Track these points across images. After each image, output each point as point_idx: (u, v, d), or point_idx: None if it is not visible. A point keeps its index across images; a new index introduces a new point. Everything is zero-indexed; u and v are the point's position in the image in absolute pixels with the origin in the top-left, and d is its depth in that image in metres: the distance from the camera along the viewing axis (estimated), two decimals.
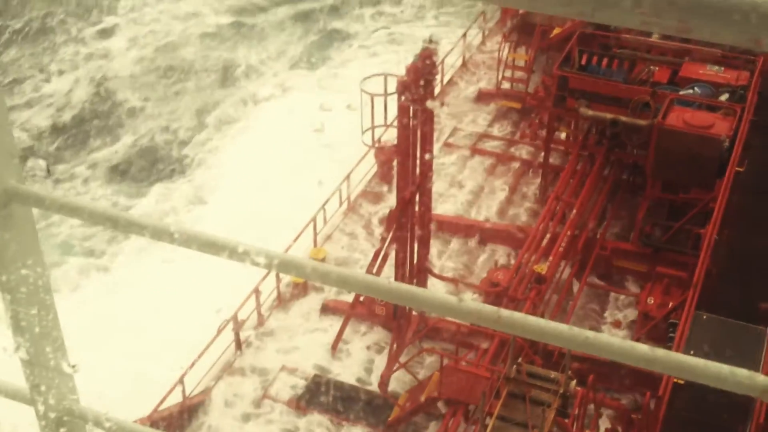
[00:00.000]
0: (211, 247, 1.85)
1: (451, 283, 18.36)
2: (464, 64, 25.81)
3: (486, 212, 20.98)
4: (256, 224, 19.63)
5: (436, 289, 18.13)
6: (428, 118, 15.12)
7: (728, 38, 1.19)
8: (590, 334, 1.61)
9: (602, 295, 18.87)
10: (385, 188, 21.19)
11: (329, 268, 1.77)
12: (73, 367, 2.30)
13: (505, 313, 1.62)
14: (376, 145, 19.97)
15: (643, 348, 1.59)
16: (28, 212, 2.04)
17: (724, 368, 1.55)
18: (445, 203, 21.09)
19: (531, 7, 1.26)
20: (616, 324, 18.16)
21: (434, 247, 18.73)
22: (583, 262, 18.83)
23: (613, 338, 1.61)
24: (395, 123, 15.47)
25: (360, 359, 17.40)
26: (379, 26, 32.47)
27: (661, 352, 1.58)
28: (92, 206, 1.95)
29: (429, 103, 14.74)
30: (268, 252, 1.81)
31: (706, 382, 1.57)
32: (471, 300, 1.65)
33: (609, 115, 18.86)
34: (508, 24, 24.61)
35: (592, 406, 14.38)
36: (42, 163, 25.54)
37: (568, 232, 18.09)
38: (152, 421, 15.25)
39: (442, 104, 23.87)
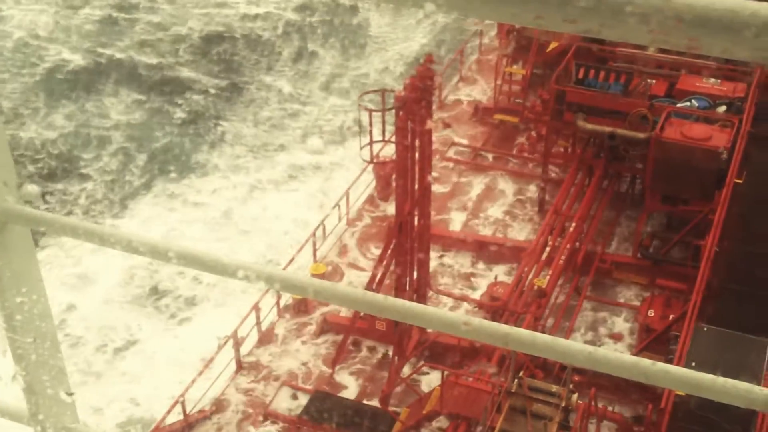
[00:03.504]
0: (210, 267, 1.82)
1: (451, 297, 18.34)
2: (462, 79, 25.86)
3: (485, 226, 20.97)
4: None
5: (435, 303, 18.11)
6: (426, 133, 15.12)
7: (739, 54, 1.18)
8: (594, 349, 1.60)
9: (602, 308, 18.84)
10: (383, 203, 21.20)
11: (334, 288, 1.75)
12: (71, 395, 2.24)
13: (513, 330, 1.61)
14: (374, 160, 19.96)
15: (647, 363, 1.58)
16: (25, 234, 2.00)
17: (726, 382, 1.54)
18: (444, 218, 21.08)
19: (538, 25, 1.26)
20: (617, 337, 18.13)
21: (433, 261, 18.71)
22: (582, 275, 18.83)
23: (619, 354, 1.61)
24: (393, 138, 15.47)
25: (361, 374, 17.35)
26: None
27: (665, 367, 1.58)
28: (91, 226, 1.90)
29: (430, 123, 14.76)
30: (270, 273, 1.79)
31: (708, 396, 1.56)
32: (478, 318, 1.64)
33: (607, 128, 18.89)
34: (509, 40, 24.61)
35: (594, 419, 14.35)
36: (35, 188, 25.38)
37: (568, 246, 18.08)
38: None
39: (447, 126, 23.93)
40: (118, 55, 31.52)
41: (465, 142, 23.54)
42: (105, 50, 31.80)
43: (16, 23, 33.01)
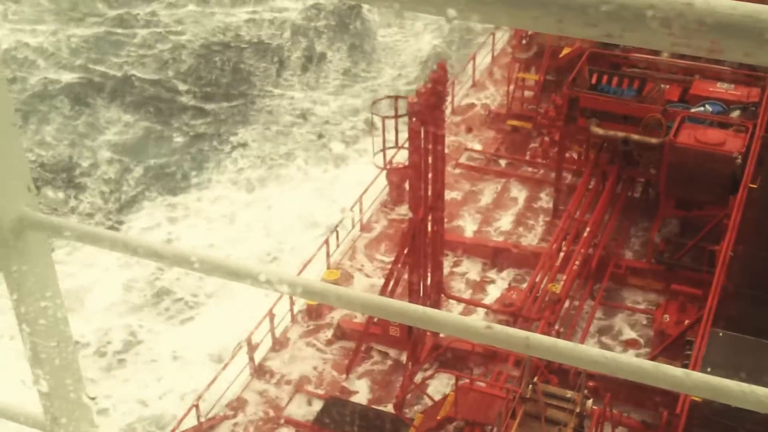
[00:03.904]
0: (233, 274, 1.82)
1: (465, 303, 18.31)
2: (474, 85, 25.84)
3: (498, 232, 20.93)
4: None
5: (448, 309, 18.09)
6: (440, 139, 15.12)
7: (762, 58, 1.18)
8: (614, 355, 1.60)
9: (617, 313, 18.78)
10: (397, 209, 21.19)
11: (355, 295, 1.75)
12: (93, 399, 2.26)
13: (534, 336, 1.61)
14: (388, 166, 19.98)
15: (668, 368, 1.58)
16: (43, 241, 2.00)
17: (744, 387, 1.54)
18: (458, 224, 21.06)
19: (560, 31, 1.25)
20: (632, 343, 18.06)
21: (446, 267, 18.69)
22: (596, 280, 18.77)
23: (640, 360, 1.60)
24: (407, 144, 15.48)
25: (375, 380, 17.34)
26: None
27: (685, 373, 1.57)
28: (110, 234, 1.91)
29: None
30: (291, 279, 1.79)
31: (727, 402, 1.55)
32: (499, 324, 1.64)
33: (620, 134, 18.84)
34: (523, 46, 24.53)
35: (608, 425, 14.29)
36: (60, 194, 25.44)
37: (582, 251, 18.03)
38: None
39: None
40: (115, 70, 31.12)
41: (478, 147, 23.52)
42: (101, 65, 31.35)
43: (1, 35, 32.61)
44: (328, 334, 18.27)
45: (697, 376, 1.54)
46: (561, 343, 1.61)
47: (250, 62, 31.99)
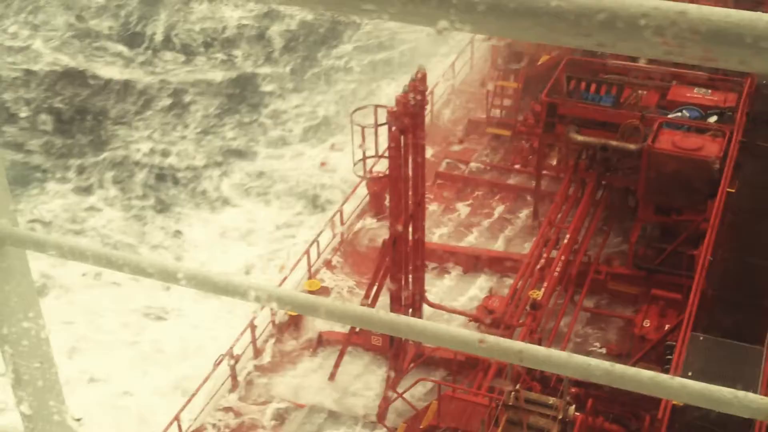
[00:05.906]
0: (221, 289, 1.80)
1: (446, 311, 18.30)
2: (453, 93, 25.87)
3: (479, 240, 20.95)
4: None
5: (429, 317, 18.07)
6: (419, 147, 15.13)
7: (757, 66, 1.18)
8: (610, 365, 1.59)
9: (598, 318, 18.82)
10: (377, 219, 21.17)
11: (346, 308, 1.73)
12: (79, 420, 2.23)
13: (528, 347, 1.60)
14: (368, 175, 19.94)
15: (664, 378, 1.57)
16: (23, 257, 1.96)
17: (727, 391, 1.53)
18: (438, 232, 21.06)
19: (553, 41, 1.25)
20: (612, 348, 18.10)
21: (427, 275, 18.67)
22: (577, 286, 18.81)
23: (636, 369, 1.59)
24: (387, 153, 15.47)
25: (357, 389, 17.29)
26: None
27: (681, 382, 1.57)
28: (94, 248, 1.86)
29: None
30: (281, 294, 1.77)
31: (710, 407, 1.55)
32: (492, 336, 1.63)
33: (599, 140, 18.92)
34: (498, 53, 24.58)
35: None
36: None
37: (563, 257, 18.07)
38: None
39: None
40: None
41: (457, 156, 23.54)
42: None
43: None
44: (311, 342, 18.22)
45: (694, 385, 1.54)
46: (555, 353, 1.60)
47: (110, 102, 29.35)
